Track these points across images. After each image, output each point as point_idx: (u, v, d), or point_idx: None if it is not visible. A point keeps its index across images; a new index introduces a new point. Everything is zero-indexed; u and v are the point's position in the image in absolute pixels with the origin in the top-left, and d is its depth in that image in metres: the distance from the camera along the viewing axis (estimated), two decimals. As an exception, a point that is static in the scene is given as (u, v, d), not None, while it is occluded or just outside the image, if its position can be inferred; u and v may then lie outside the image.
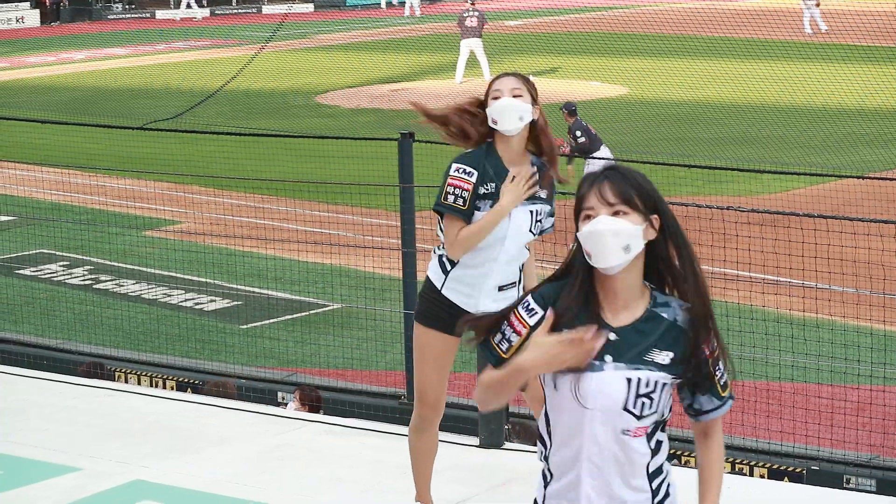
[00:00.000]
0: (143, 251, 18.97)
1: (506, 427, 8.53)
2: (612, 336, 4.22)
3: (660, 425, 4.32)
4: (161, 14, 66.36)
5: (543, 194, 6.40)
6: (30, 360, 11.83)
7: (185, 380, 12.27)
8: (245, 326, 15.80)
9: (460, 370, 8.10)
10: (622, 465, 4.27)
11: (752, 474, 10.16)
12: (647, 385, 4.21)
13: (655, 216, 4.26)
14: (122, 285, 17.49)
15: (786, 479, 10.03)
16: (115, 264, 18.28)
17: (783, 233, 13.26)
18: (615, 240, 4.18)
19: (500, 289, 6.48)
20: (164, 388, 12.11)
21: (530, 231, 6.43)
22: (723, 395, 4.38)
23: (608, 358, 4.21)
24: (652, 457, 4.31)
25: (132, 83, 39.08)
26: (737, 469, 10.27)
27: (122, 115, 30.06)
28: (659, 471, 4.36)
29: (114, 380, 11.93)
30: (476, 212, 6.30)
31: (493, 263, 6.43)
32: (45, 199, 20.93)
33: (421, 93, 35.19)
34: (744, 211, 13.03)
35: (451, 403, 10.56)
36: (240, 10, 67.25)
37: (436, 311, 6.52)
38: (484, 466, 7.09)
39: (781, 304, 14.88)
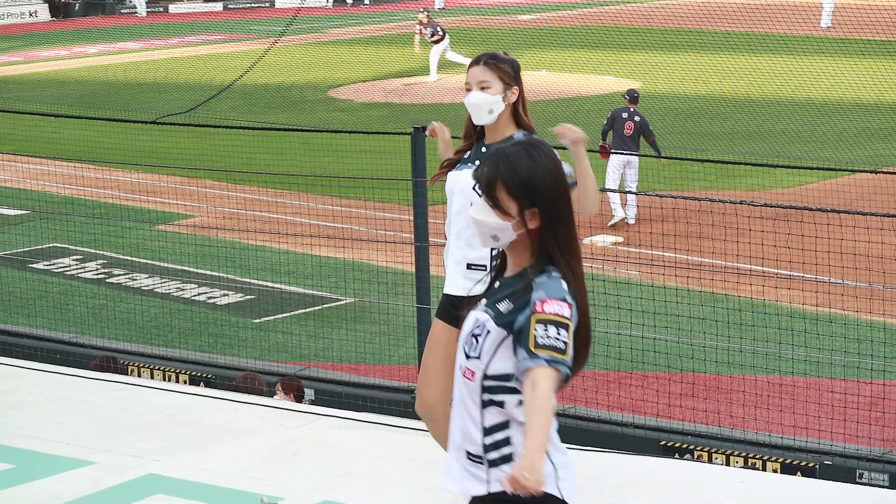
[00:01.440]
0: (156, 245, 18.99)
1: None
2: (496, 284, 4.51)
3: (503, 384, 4.39)
4: (174, 8, 66.42)
5: None
6: (43, 354, 11.86)
7: (199, 374, 12.29)
8: (258, 320, 15.81)
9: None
10: (465, 405, 4.45)
11: (764, 469, 10.16)
12: (479, 327, 4.42)
13: (534, 210, 4.38)
14: (136, 279, 17.51)
15: (798, 473, 10.02)
16: (128, 258, 18.31)
17: (796, 227, 13.25)
18: (482, 227, 4.43)
19: (470, 266, 6.49)
20: (178, 382, 12.12)
21: (474, 189, 6.42)
22: (534, 349, 4.30)
23: (482, 301, 4.51)
24: (485, 406, 4.41)
25: (145, 77, 39.13)
26: (749, 463, 10.26)
27: (136, 109, 30.10)
28: (501, 426, 4.42)
29: (127, 374, 11.95)
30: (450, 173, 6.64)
31: (451, 229, 6.56)
32: (59, 193, 20.97)
33: (433, 87, 35.19)
34: (757, 205, 13.03)
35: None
36: (253, 5, 67.29)
37: (443, 303, 6.67)
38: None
39: (794, 299, 14.87)
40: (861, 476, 10.01)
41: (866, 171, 19.16)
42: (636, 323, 12.67)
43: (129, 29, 55.57)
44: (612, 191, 19.51)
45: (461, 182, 6.50)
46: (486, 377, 4.39)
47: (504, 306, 4.38)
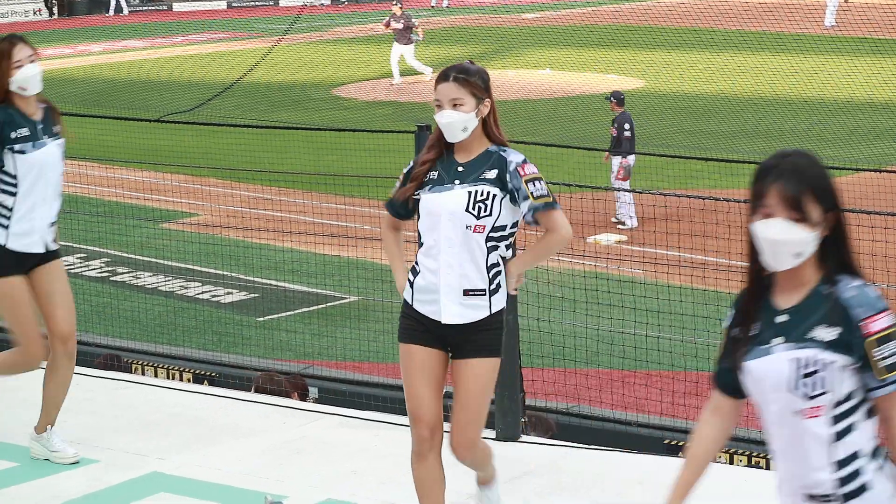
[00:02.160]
0: (159, 243, 19.00)
1: (522, 420, 8.52)
2: (781, 318, 4.21)
3: (847, 406, 4.17)
4: (178, 6, 66.45)
5: (491, 174, 6.20)
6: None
7: (202, 372, 12.29)
8: (262, 319, 15.82)
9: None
10: (806, 447, 4.19)
11: (768, 467, 10.15)
12: (812, 364, 4.14)
13: (832, 213, 4.21)
14: (139, 277, 17.53)
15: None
16: (132, 256, 18.32)
17: (800, 226, 13.24)
18: (786, 247, 4.18)
19: (467, 293, 6.21)
20: (181, 380, 12.12)
21: (468, 212, 6.17)
22: (883, 376, 4.11)
23: (777, 340, 4.19)
24: (837, 439, 4.18)
25: (149, 75, 39.14)
26: (753, 462, 10.26)
27: (139, 108, 30.12)
28: (852, 457, 4.19)
29: (130, 372, 11.95)
30: (422, 195, 6.33)
31: (440, 256, 6.24)
32: (62, 191, 20.95)
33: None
34: (761, 204, 13.06)
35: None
36: (257, 3, 67.33)
37: (413, 326, 6.42)
38: (500, 459, 7.08)
39: (798, 298, 14.82)
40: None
41: (870, 170, 19.16)
42: (640, 322, 12.66)
43: (134, 27, 55.58)
44: (627, 190, 19.49)
45: (448, 207, 6.19)
46: (836, 404, 4.15)
47: (824, 333, 4.13)
